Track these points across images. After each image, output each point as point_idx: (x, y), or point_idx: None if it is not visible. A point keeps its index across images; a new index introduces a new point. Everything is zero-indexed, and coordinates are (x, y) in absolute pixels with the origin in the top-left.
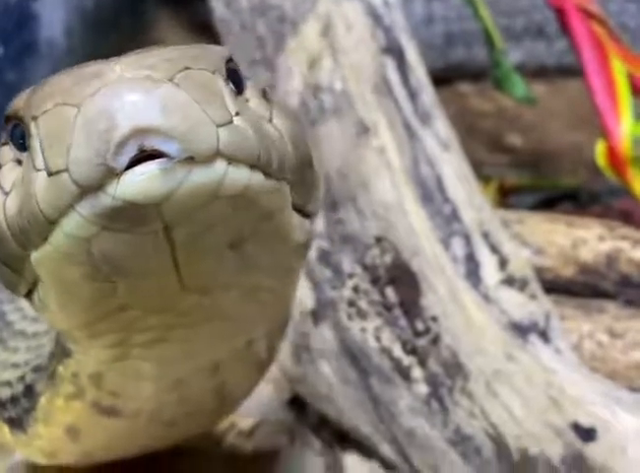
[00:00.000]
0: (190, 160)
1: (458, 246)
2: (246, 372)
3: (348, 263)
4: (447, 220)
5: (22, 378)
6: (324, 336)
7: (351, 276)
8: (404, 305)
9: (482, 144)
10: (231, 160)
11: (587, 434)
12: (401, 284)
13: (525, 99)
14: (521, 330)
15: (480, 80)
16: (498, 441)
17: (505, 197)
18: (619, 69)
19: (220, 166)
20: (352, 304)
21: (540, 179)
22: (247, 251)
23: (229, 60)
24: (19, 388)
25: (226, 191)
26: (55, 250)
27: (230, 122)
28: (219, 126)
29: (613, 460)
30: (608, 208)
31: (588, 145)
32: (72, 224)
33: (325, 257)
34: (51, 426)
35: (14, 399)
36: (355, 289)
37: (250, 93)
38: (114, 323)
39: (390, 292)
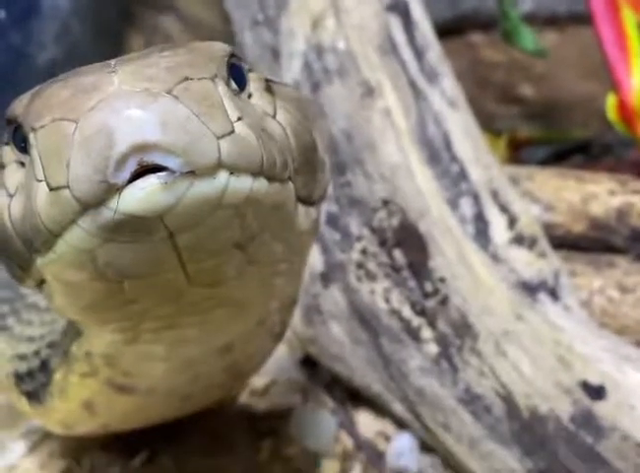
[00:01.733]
0: (191, 173)
1: (466, 206)
2: (258, 348)
3: (355, 226)
4: (455, 180)
5: (37, 353)
6: (334, 298)
7: (359, 239)
8: (412, 267)
9: (494, 96)
10: (233, 170)
11: (596, 392)
12: (409, 246)
13: (535, 51)
14: (530, 289)
15: (491, 30)
16: (508, 400)
17: (516, 151)
18: (631, 20)
19: (221, 177)
20: (360, 266)
21: (551, 132)
22: (253, 248)
23: (231, 55)
24: (35, 363)
25: (229, 201)
26: (60, 259)
27: (232, 132)
28: (220, 138)
29: (622, 418)
30: (620, 160)
31: (600, 95)
32: (75, 237)
33: (333, 220)
34: (67, 400)
35: (30, 373)
36: (364, 251)
37: (253, 86)
38: (122, 314)
39: (398, 254)
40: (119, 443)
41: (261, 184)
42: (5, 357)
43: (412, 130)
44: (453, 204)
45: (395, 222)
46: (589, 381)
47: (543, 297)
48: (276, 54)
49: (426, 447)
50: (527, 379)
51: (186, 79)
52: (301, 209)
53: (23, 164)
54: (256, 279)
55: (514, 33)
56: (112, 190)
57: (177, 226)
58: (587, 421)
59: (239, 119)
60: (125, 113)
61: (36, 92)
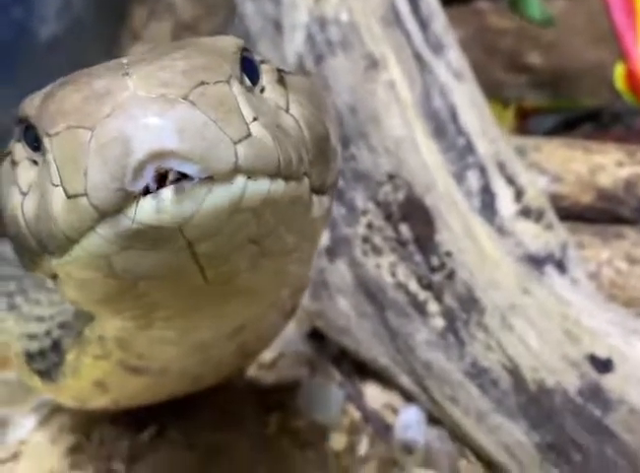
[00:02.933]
0: (209, 178)
1: (473, 179)
2: (269, 328)
3: (361, 200)
4: (461, 153)
5: (48, 333)
6: (340, 272)
7: (364, 213)
8: (418, 241)
9: (502, 64)
10: (251, 173)
11: (603, 365)
12: (414, 220)
13: (542, 20)
14: (537, 262)
15: None
16: (515, 374)
17: (524, 120)
18: None
19: (239, 181)
20: (366, 240)
21: (559, 100)
22: (268, 242)
23: (243, 49)
24: (46, 343)
25: (247, 205)
26: (75, 262)
27: (248, 135)
28: (237, 142)
29: (630, 390)
30: (630, 129)
31: (609, 63)
32: (92, 243)
33: (338, 195)
34: (79, 379)
35: (42, 352)
36: (369, 225)
37: (265, 79)
38: (135, 306)
39: (404, 228)
40: (128, 418)
41: (278, 185)
42: (14, 335)
43: (417, 103)
44: (459, 177)
45: (400, 196)
46: (596, 355)
47: (550, 270)
48: (278, 26)
49: (433, 420)
50: (534, 353)
51: (202, 83)
52: (315, 199)
53: (35, 162)
54: (269, 269)
55: (521, 1)
56: (130, 198)
57: (196, 235)
58: (594, 394)
59: (255, 120)
60: (142, 121)
61: (49, 93)
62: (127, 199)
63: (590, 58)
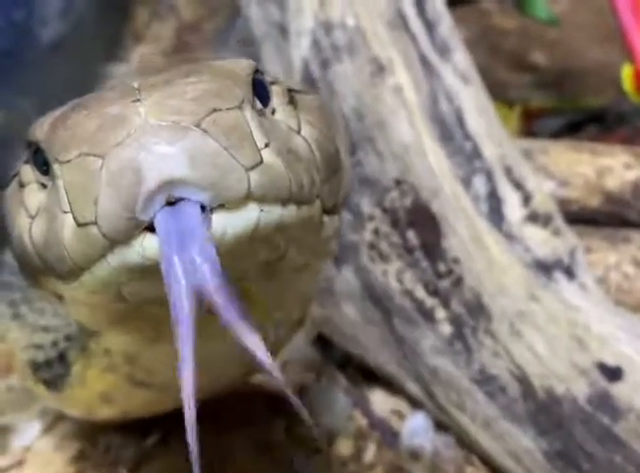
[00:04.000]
0: (221, 206)
1: (480, 184)
2: (277, 340)
3: (367, 206)
4: (468, 157)
5: (55, 344)
6: (347, 279)
7: (371, 219)
8: (425, 248)
9: (506, 64)
10: (263, 200)
11: (612, 373)
12: (421, 226)
13: (547, 19)
14: (545, 268)
15: None
16: (523, 381)
17: (529, 122)
18: None
19: (251, 209)
20: (372, 246)
21: (564, 100)
22: (278, 263)
23: (255, 71)
24: (52, 354)
25: (259, 231)
26: (83, 287)
27: (260, 162)
28: (249, 170)
29: (639, 399)
30: (636, 130)
31: (615, 62)
32: (102, 272)
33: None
34: (85, 391)
35: (48, 363)
36: (376, 232)
37: (276, 100)
38: (142, 324)
39: (411, 234)
40: (133, 424)
41: (290, 211)
42: (20, 345)
43: (423, 107)
44: (466, 182)
45: (407, 201)
46: (605, 362)
47: (558, 275)
48: (283, 31)
49: (440, 427)
50: (542, 360)
51: (214, 110)
52: (326, 219)
53: (44, 185)
54: (278, 286)
55: (526, 0)
56: (141, 226)
57: None
58: (603, 402)
59: (267, 146)
60: (153, 150)
61: (59, 118)
62: (137, 227)
63: (595, 57)
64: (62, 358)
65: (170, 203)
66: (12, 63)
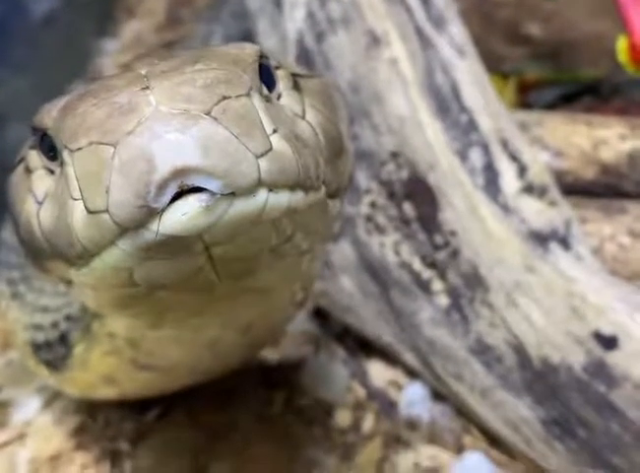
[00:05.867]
0: (231, 193)
1: (476, 157)
2: (280, 320)
3: (364, 179)
4: (464, 130)
5: (55, 325)
6: (344, 252)
7: (367, 192)
8: (422, 220)
9: (501, 35)
10: (272, 187)
11: (608, 342)
12: (418, 199)
13: None
14: (541, 239)
15: None
16: (519, 350)
17: (525, 94)
18: None
19: (261, 195)
20: (369, 219)
21: (559, 72)
22: (284, 246)
23: (261, 56)
24: (53, 334)
25: (268, 216)
26: (93, 273)
27: (270, 149)
28: (259, 157)
29: (635, 367)
30: (631, 101)
31: (610, 34)
32: (113, 257)
33: None
34: (87, 372)
35: (49, 344)
36: (373, 204)
37: (282, 85)
38: (149, 308)
39: (407, 207)
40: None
41: (298, 196)
42: (20, 325)
43: (419, 80)
44: (462, 155)
45: (404, 174)
46: (601, 331)
47: (554, 246)
48: (278, 3)
49: (438, 396)
50: (538, 330)
51: (224, 98)
52: (330, 203)
53: (51, 171)
54: (283, 268)
55: None
56: (153, 214)
57: (214, 241)
58: (599, 370)
59: (275, 132)
60: (165, 138)
61: (68, 106)
62: (150, 215)
63: (590, 29)
64: (63, 339)
65: (182, 191)
66: (3, 38)
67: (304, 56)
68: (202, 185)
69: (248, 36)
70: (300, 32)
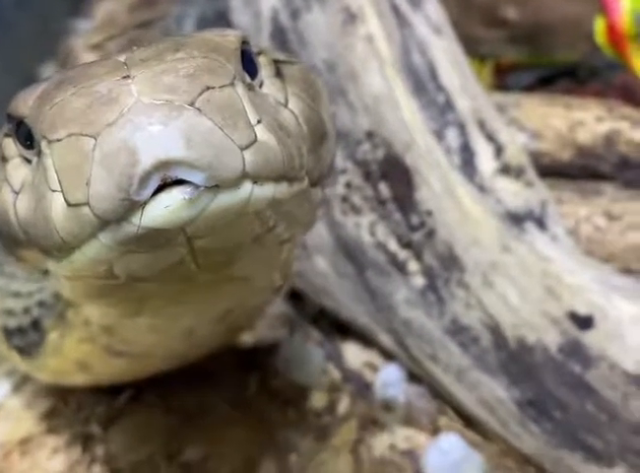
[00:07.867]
0: (215, 186)
1: (453, 137)
2: (258, 307)
3: (339, 159)
4: (441, 110)
5: (27, 311)
6: (319, 232)
7: (343, 172)
8: (397, 200)
9: (477, 19)
10: (257, 179)
11: (584, 322)
12: (394, 179)
13: None
14: (517, 219)
15: None
16: (495, 331)
17: (501, 76)
18: None
19: (245, 187)
20: (345, 199)
21: (537, 56)
22: (266, 238)
23: (243, 42)
24: (25, 320)
25: (252, 209)
26: (73, 265)
27: (255, 141)
28: (244, 149)
29: (610, 347)
30: (608, 84)
31: (587, 17)
32: (94, 250)
33: None
34: (61, 359)
35: (21, 330)
36: (348, 185)
37: (264, 72)
38: (127, 298)
39: (383, 187)
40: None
41: (282, 187)
42: None
43: (395, 58)
44: (439, 135)
45: (380, 154)
46: (577, 311)
47: (530, 227)
48: None
49: (414, 378)
50: (514, 310)
51: (207, 88)
52: (313, 192)
53: (27, 160)
54: (264, 257)
55: None
56: (135, 207)
57: (197, 233)
58: (575, 350)
59: (259, 122)
60: (148, 130)
61: (45, 94)
62: (132, 208)
63: (567, 11)
64: (36, 325)
65: (165, 184)
66: None
67: (279, 34)
68: (185, 178)
69: (222, 15)
70: (274, 9)
